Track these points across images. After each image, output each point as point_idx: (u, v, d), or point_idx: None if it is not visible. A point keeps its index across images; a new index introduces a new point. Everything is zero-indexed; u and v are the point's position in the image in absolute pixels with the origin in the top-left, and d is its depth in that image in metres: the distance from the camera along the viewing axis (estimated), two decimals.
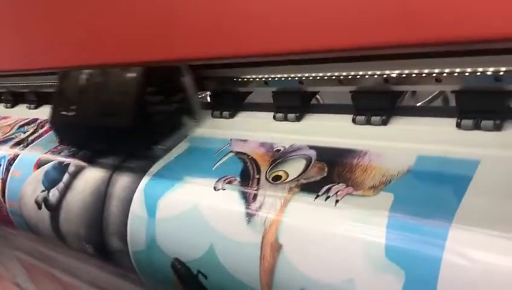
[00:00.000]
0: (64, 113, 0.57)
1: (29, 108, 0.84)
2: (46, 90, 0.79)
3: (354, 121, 0.44)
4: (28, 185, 0.61)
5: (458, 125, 0.38)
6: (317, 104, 0.50)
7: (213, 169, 0.44)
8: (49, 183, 0.58)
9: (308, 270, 0.33)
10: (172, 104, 0.52)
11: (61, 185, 0.56)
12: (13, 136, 0.73)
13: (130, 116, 0.49)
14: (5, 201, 0.66)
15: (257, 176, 0.40)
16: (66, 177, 0.56)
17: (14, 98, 0.89)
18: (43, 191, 0.58)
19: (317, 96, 0.55)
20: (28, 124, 0.76)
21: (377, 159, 0.38)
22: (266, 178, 0.40)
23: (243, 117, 0.54)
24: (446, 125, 0.39)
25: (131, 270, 0.49)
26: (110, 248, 0.50)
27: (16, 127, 0.77)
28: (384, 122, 0.43)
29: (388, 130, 0.42)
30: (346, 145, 0.41)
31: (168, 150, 0.50)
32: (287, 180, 0.38)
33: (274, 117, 0.50)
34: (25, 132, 0.73)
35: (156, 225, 0.44)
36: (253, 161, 0.43)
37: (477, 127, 0.38)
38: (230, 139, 0.48)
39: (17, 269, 0.97)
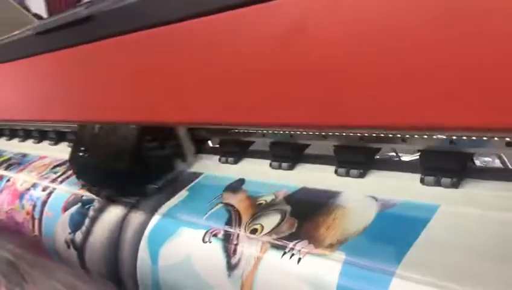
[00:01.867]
0: (80, 154, 0.65)
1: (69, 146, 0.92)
2: None
3: (336, 172, 0.49)
4: (59, 225, 0.70)
5: (422, 181, 0.42)
6: (307, 155, 0.54)
7: (203, 218, 0.50)
8: (74, 226, 0.66)
9: None
10: (165, 150, 0.60)
11: (83, 228, 0.64)
12: (46, 176, 0.83)
13: (127, 160, 0.58)
14: (42, 238, 0.75)
15: (238, 230, 0.45)
16: (87, 221, 0.64)
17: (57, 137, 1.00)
18: (69, 233, 0.66)
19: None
20: (60, 165, 0.85)
21: (341, 216, 0.42)
22: (245, 231, 0.45)
23: (245, 164, 0.59)
24: (410, 180, 0.43)
25: None
26: (128, 287, 0.57)
27: (50, 167, 0.86)
28: (362, 175, 0.47)
29: (363, 182, 0.46)
30: (322, 197, 0.45)
31: (161, 189, 0.57)
32: (262, 233, 0.43)
33: (270, 165, 0.55)
34: (55, 173, 0.82)
35: (159, 272, 0.51)
36: (238, 213, 0.48)
37: (437, 183, 0.41)
38: (223, 190, 0.53)
39: None
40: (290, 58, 0.38)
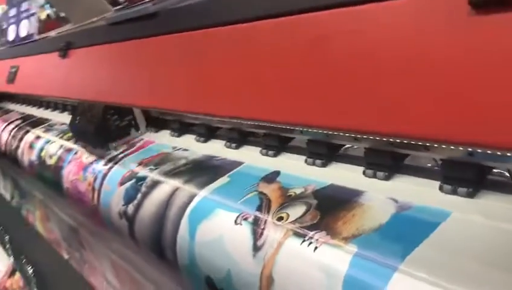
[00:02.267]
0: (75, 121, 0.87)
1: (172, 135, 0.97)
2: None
3: (364, 173, 0.53)
4: (114, 198, 0.78)
5: (440, 189, 0.45)
6: (341, 154, 0.58)
7: (238, 203, 0.55)
8: (128, 199, 0.74)
9: None
10: (123, 122, 0.94)
11: (135, 202, 0.71)
12: (108, 153, 0.92)
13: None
14: (99, 207, 0.84)
15: (266, 216, 0.50)
16: (139, 196, 0.71)
17: None
18: (123, 205, 0.74)
19: None
20: (122, 144, 0.94)
21: (360, 213, 0.45)
22: (272, 218, 0.50)
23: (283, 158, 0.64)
24: (430, 187, 0.46)
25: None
26: (167, 258, 0.64)
27: None
28: (387, 178, 0.50)
29: (387, 185, 0.50)
30: (346, 195, 0.49)
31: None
32: (287, 221, 0.48)
33: (305, 161, 0.60)
34: (118, 150, 0.91)
35: (195, 247, 0.57)
36: (269, 201, 0.53)
37: (454, 192, 0.44)
38: (259, 180, 0.58)
39: (107, 266, 1.18)
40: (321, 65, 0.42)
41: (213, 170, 0.67)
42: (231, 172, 0.64)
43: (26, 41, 1.78)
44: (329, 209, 0.48)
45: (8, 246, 1.17)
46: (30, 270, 0.93)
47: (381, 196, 0.47)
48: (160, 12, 0.69)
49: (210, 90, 0.63)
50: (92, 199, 0.86)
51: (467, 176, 0.43)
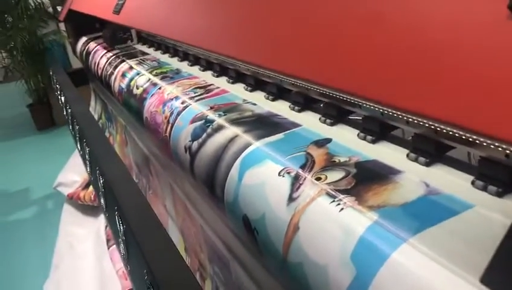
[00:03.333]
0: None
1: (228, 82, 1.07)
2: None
3: (407, 155, 0.56)
4: (184, 133, 0.87)
5: (472, 183, 0.48)
6: (392, 135, 0.62)
7: (286, 158, 0.61)
8: (194, 136, 0.82)
9: (307, 250, 0.49)
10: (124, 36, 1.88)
11: (200, 140, 0.79)
12: (187, 93, 1.01)
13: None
14: (170, 140, 0.93)
15: (307, 174, 0.56)
16: (204, 135, 0.79)
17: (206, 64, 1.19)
18: (189, 141, 0.83)
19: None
20: (200, 87, 1.03)
21: (391, 188, 0.49)
22: (312, 176, 0.55)
23: (338, 129, 0.69)
24: (464, 180, 0.49)
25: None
26: (217, 194, 0.72)
27: (193, 87, 1.04)
28: (428, 164, 0.53)
29: (426, 170, 0.53)
30: (385, 170, 0.53)
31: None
32: (324, 182, 0.53)
33: (358, 135, 0.64)
34: (195, 92, 1.00)
35: (240, 188, 0.64)
36: (313, 162, 0.58)
37: (484, 189, 0.46)
38: (310, 142, 0.64)
39: (168, 195, 1.30)
40: None
41: (273, 125, 0.72)
42: (288, 131, 0.69)
43: None
44: (364, 179, 0.52)
45: (87, 158, 1.33)
46: (101, 181, 1.06)
47: (416, 177, 0.51)
48: None
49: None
50: (165, 131, 0.96)
51: (500, 176, 0.45)
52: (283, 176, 0.58)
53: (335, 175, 0.54)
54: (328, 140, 0.64)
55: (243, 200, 0.63)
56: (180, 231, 1.29)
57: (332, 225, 0.48)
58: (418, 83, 0.50)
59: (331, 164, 0.57)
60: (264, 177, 0.60)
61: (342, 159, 0.58)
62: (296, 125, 0.71)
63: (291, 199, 0.54)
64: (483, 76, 0.43)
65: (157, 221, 0.80)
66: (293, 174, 0.57)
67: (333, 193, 0.51)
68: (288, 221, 0.53)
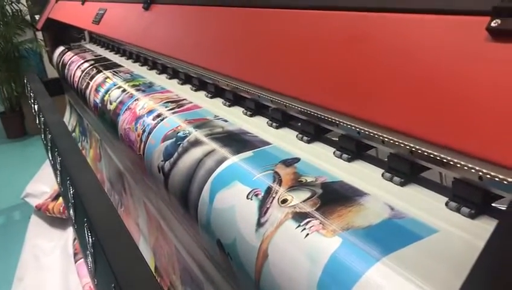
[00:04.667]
0: None
1: (207, 96, 1.06)
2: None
3: (382, 175, 0.56)
4: (156, 152, 0.86)
5: (446, 204, 0.48)
6: (367, 155, 0.62)
7: (254, 178, 0.60)
8: (166, 156, 0.81)
9: (277, 278, 0.48)
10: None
11: (171, 160, 0.78)
12: (158, 107, 1.00)
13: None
14: (144, 159, 0.91)
15: (274, 195, 0.55)
16: (175, 155, 0.78)
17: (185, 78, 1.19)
18: (162, 161, 0.82)
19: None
20: (172, 102, 1.02)
21: (356, 211, 0.49)
22: (278, 198, 0.54)
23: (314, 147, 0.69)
24: (438, 201, 0.49)
25: None
26: (191, 216, 0.70)
27: (164, 101, 1.03)
28: (402, 184, 0.53)
29: (400, 190, 0.53)
30: (351, 192, 0.53)
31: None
32: (289, 205, 0.52)
33: (334, 153, 0.64)
34: (166, 107, 0.98)
35: (212, 211, 0.63)
36: (280, 182, 0.58)
37: (458, 210, 0.46)
38: (279, 161, 0.63)
39: (142, 213, 1.28)
40: None
41: (242, 143, 0.73)
42: (257, 149, 0.69)
43: None
44: (329, 201, 0.52)
45: (58, 167, 1.30)
46: (71, 191, 1.04)
47: (381, 201, 0.51)
48: None
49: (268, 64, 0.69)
50: (139, 149, 0.94)
51: (473, 198, 0.45)
52: (251, 199, 0.57)
53: (301, 196, 0.54)
54: (297, 159, 0.64)
55: (215, 224, 0.62)
56: (152, 250, 1.26)
57: (298, 252, 0.47)
58: (394, 100, 0.50)
59: (297, 183, 0.57)
60: (233, 200, 0.60)
61: (309, 179, 0.57)
62: (266, 143, 0.71)
63: (259, 225, 0.54)
64: (463, 96, 0.44)
65: (127, 234, 0.78)
66: (260, 196, 0.57)
67: (298, 217, 0.50)
68: (257, 247, 0.52)
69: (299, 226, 0.49)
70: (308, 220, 0.49)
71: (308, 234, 0.47)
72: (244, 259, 0.55)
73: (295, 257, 0.47)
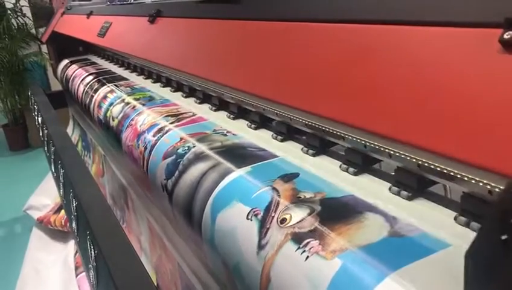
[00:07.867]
0: None
1: (211, 109, 1.08)
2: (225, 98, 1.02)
3: (389, 189, 0.56)
4: (159, 170, 0.86)
5: (455, 219, 0.48)
6: (373, 169, 0.62)
7: (253, 196, 0.60)
8: (168, 174, 0.82)
9: None
10: None
11: (173, 179, 0.79)
12: (158, 122, 1.00)
13: None
14: (148, 176, 0.91)
15: (273, 214, 0.55)
16: (176, 174, 0.79)
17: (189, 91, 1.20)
18: (164, 179, 0.82)
19: None
20: (172, 115, 1.02)
21: (355, 228, 0.49)
22: (277, 218, 0.54)
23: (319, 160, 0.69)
24: (446, 216, 0.49)
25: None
26: (196, 233, 0.70)
27: (164, 115, 1.04)
28: (410, 199, 0.54)
29: (407, 204, 0.53)
30: (350, 209, 0.53)
31: None
32: (288, 224, 0.52)
33: (340, 166, 0.65)
34: (167, 120, 0.99)
35: (214, 231, 0.64)
36: (279, 200, 0.58)
37: (467, 225, 0.47)
38: (277, 177, 0.63)
39: (145, 230, 1.27)
40: None
41: (241, 157, 0.73)
42: (255, 164, 0.69)
43: (124, 2, 1.93)
44: (328, 218, 0.52)
45: (61, 180, 1.30)
46: (74, 204, 1.03)
47: (381, 218, 0.50)
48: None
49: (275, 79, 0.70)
50: (142, 166, 0.95)
51: (483, 212, 0.45)
52: (251, 220, 0.57)
53: (299, 214, 0.54)
54: (296, 174, 0.64)
55: (220, 245, 0.63)
56: (154, 268, 1.26)
57: (300, 276, 0.47)
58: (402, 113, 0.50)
59: (296, 200, 0.57)
60: (234, 221, 0.60)
61: (308, 195, 0.58)
62: (264, 158, 0.72)
63: (260, 247, 0.54)
64: (476, 108, 0.44)
65: (130, 247, 0.78)
66: (260, 216, 0.57)
67: (297, 238, 0.50)
68: (260, 271, 0.53)
69: (298, 248, 0.49)
70: (307, 241, 0.49)
71: (308, 257, 0.47)
72: (249, 282, 0.55)
73: (297, 281, 0.47)
